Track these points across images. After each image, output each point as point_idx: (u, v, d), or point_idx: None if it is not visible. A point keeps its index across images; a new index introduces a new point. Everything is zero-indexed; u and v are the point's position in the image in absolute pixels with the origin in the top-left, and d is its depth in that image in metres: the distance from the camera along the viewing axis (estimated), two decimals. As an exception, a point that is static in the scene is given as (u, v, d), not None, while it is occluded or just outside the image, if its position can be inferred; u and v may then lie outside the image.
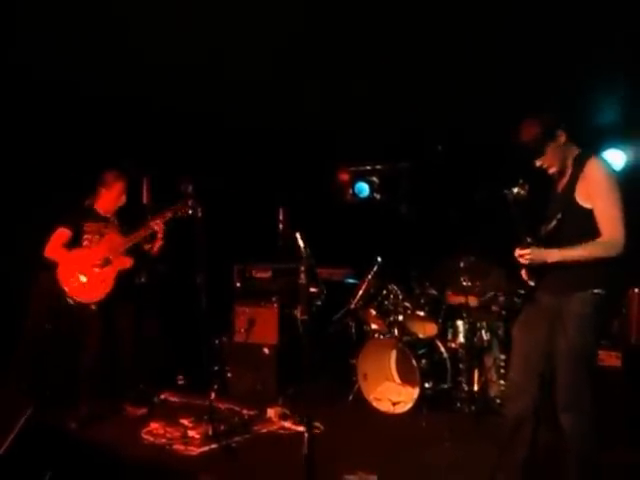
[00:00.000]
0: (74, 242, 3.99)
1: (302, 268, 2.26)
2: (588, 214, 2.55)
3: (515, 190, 2.68)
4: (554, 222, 2.56)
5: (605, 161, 2.68)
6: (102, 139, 4.78)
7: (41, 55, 3.83)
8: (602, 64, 3.93)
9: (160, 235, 4.05)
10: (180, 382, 4.99)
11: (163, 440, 3.68)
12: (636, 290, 4.21)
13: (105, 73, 4.12)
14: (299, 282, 2.26)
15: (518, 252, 2.58)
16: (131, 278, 4.21)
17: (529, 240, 2.57)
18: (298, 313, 2.29)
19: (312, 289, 2.26)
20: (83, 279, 3.92)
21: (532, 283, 2.70)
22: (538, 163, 2.69)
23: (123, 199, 4.16)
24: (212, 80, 4.37)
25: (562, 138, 2.65)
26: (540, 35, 3.57)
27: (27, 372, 4.15)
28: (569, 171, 2.67)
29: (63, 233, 3.96)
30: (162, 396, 4.65)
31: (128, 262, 4.06)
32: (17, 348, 4.15)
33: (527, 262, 2.57)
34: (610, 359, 3.84)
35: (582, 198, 2.56)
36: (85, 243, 4.01)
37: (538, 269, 2.64)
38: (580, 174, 2.59)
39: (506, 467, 2.79)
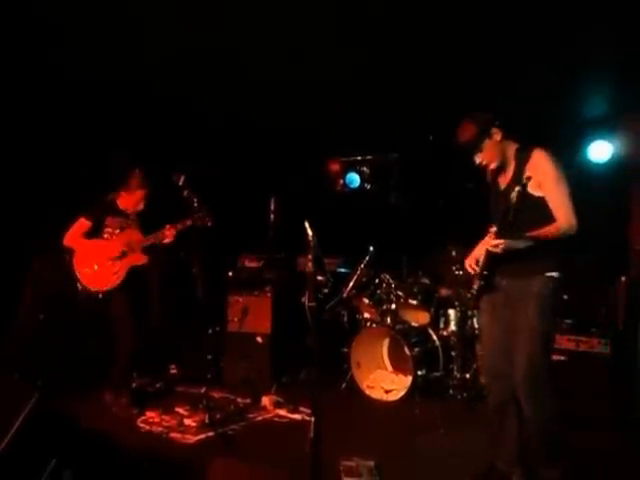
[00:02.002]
0: (93, 233, 4.03)
1: (309, 257, 2.28)
2: (540, 201, 2.66)
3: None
4: (510, 214, 2.61)
5: (548, 150, 2.76)
6: (93, 128, 4.73)
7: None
8: (588, 56, 3.98)
9: (169, 240, 4.08)
10: (172, 371, 4.98)
11: (159, 428, 3.69)
12: (623, 279, 4.33)
13: (99, 60, 4.08)
14: (306, 270, 2.29)
15: (493, 242, 2.63)
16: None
17: (503, 230, 2.62)
18: (306, 300, 2.31)
19: (319, 277, 2.29)
20: (96, 268, 3.99)
21: (485, 272, 2.76)
22: (477, 160, 2.78)
23: (141, 206, 4.18)
24: (204, 71, 4.34)
25: (497, 136, 2.75)
26: (527, 26, 3.61)
27: (19, 360, 4.13)
28: (512, 164, 2.77)
29: (84, 223, 4.01)
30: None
31: (143, 259, 4.13)
32: (9, 335, 4.12)
33: (500, 251, 2.63)
34: (598, 346, 3.94)
35: (533, 187, 2.64)
36: (105, 236, 4.06)
37: (494, 257, 2.70)
38: (526, 165, 2.69)
39: (503, 454, 2.85)
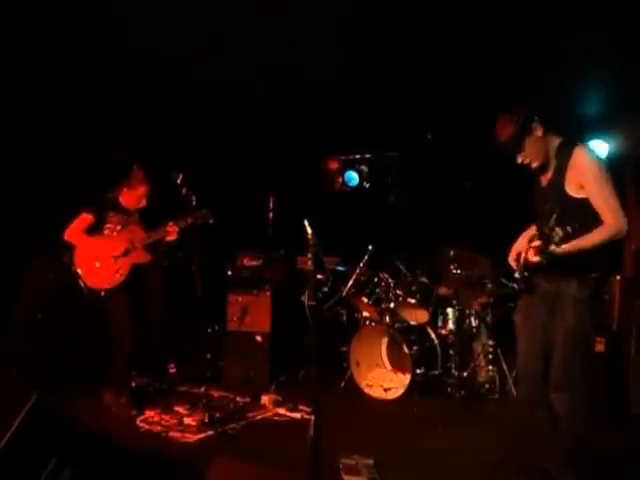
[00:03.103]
0: (95, 229, 4.01)
1: (309, 255, 2.28)
2: (583, 204, 2.53)
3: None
4: (553, 219, 2.46)
5: (590, 148, 2.67)
6: (93, 126, 4.74)
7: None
8: (585, 56, 4.00)
9: (172, 238, 4.06)
10: (172, 370, 4.99)
11: (159, 428, 3.69)
12: (617, 277, 4.35)
13: (99, 59, 4.09)
14: (306, 269, 2.29)
15: (534, 259, 2.53)
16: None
17: (548, 249, 2.44)
18: (305, 299, 2.31)
19: (319, 276, 2.30)
20: (99, 265, 3.97)
21: (527, 274, 2.66)
22: (520, 160, 2.65)
23: (144, 202, 4.16)
24: (202, 68, 4.34)
25: (539, 131, 2.61)
26: (526, 26, 3.62)
27: (18, 359, 4.14)
28: (553, 163, 2.64)
29: (86, 218, 3.99)
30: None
31: (145, 257, 4.11)
32: (7, 335, 4.13)
33: (539, 262, 2.53)
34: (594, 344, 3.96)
35: (573, 189, 2.55)
36: (106, 232, 4.04)
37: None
38: (567, 164, 2.55)
39: (542, 449, 2.79)
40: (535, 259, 2.54)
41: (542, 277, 2.72)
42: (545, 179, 2.70)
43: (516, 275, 2.74)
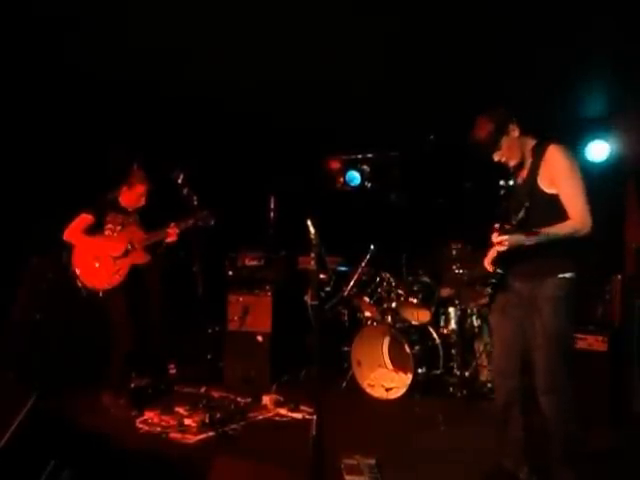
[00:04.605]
0: (94, 230, 4.01)
1: (312, 255, 2.27)
2: (553, 199, 2.60)
3: (512, 182, 2.72)
4: (522, 211, 2.57)
5: (565, 146, 2.70)
6: (92, 126, 4.73)
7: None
8: (586, 56, 3.98)
9: (172, 239, 4.05)
10: (172, 371, 4.97)
11: (159, 429, 3.67)
12: (619, 277, 4.34)
13: (98, 58, 4.08)
14: (309, 268, 2.28)
15: (497, 238, 2.60)
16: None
17: (507, 227, 2.58)
18: (308, 298, 2.30)
19: (321, 275, 2.28)
20: (97, 266, 3.97)
21: (500, 271, 2.71)
22: (497, 158, 2.73)
23: (142, 201, 4.15)
24: (203, 69, 4.33)
25: (515, 132, 2.70)
26: (525, 26, 3.61)
27: (16, 360, 4.13)
28: (529, 161, 2.71)
29: (86, 219, 3.98)
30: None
31: (144, 258, 4.11)
32: (4, 336, 4.12)
33: (505, 247, 2.59)
34: (596, 343, 3.94)
35: (545, 184, 2.61)
36: (107, 233, 4.04)
37: (506, 257, 2.66)
38: (541, 161, 2.64)
39: (510, 452, 2.82)
40: (498, 239, 2.58)
41: (516, 278, 2.74)
42: (521, 178, 2.77)
43: (490, 270, 2.77)
